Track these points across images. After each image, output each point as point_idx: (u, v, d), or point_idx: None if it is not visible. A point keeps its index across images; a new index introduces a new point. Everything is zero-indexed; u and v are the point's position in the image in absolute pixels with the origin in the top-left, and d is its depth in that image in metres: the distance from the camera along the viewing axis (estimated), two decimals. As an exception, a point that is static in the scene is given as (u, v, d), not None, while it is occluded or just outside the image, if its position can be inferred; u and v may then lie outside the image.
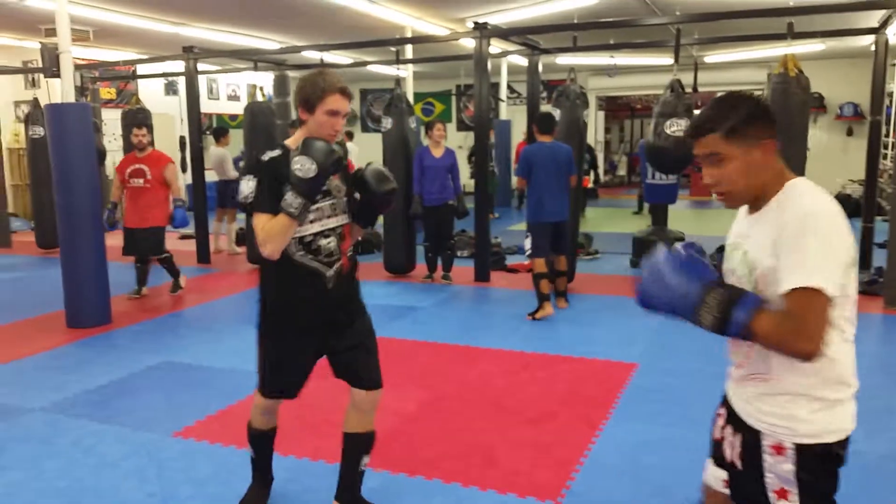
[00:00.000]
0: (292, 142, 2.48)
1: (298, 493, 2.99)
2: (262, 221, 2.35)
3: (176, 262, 6.75)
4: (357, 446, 2.67)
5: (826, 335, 1.47)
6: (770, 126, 1.63)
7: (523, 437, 3.53)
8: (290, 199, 2.30)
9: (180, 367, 4.73)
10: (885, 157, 10.89)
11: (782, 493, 1.61)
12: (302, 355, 2.57)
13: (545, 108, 8.13)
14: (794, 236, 1.51)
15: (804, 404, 1.59)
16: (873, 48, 7.37)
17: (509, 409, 3.90)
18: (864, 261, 7.26)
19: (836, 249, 1.50)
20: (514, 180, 5.90)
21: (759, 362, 1.63)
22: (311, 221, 2.44)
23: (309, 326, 2.53)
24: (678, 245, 1.68)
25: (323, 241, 2.47)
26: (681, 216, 11.32)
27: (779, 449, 1.61)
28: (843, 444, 1.61)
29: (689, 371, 4.45)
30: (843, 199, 11.89)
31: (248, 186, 2.39)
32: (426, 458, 3.29)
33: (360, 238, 2.74)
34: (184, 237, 9.88)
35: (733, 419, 1.74)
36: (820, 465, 1.60)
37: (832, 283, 1.47)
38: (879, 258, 6.68)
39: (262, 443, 2.80)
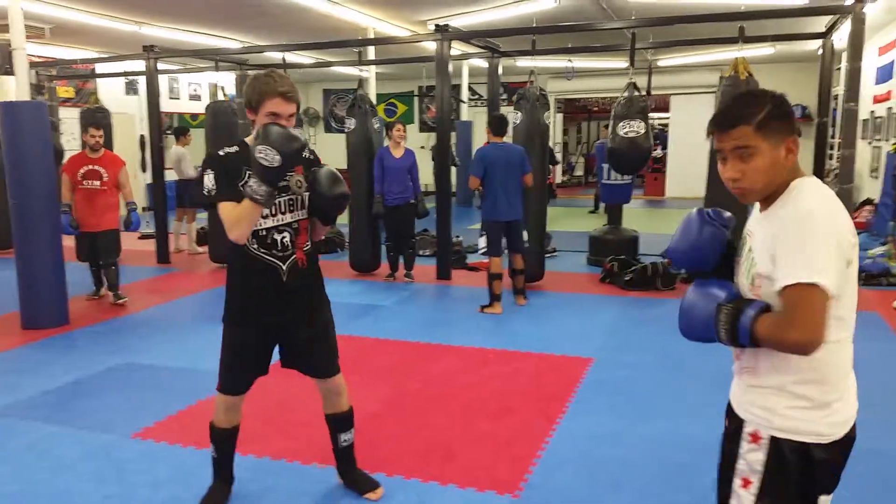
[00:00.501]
0: (250, 140, 2.54)
1: (259, 492, 3.01)
2: (227, 209, 2.42)
3: (137, 262, 6.67)
4: (335, 425, 2.88)
5: (823, 329, 1.48)
6: (793, 124, 1.64)
7: (483, 432, 3.60)
8: (256, 185, 2.34)
9: (140, 368, 4.69)
10: (831, 157, 11.22)
11: (746, 483, 1.65)
12: (258, 343, 2.64)
13: (505, 109, 8.24)
14: (791, 235, 1.53)
15: (784, 399, 1.60)
16: (820, 52, 7.63)
17: (469, 405, 3.97)
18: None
19: (829, 248, 1.50)
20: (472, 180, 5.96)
21: (749, 355, 1.67)
22: (265, 217, 2.50)
23: (265, 314, 2.59)
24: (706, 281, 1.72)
25: (277, 236, 2.54)
26: (635, 215, 11.53)
27: (755, 438, 1.64)
28: (827, 448, 1.59)
29: (644, 365, 4.57)
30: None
31: (208, 180, 2.46)
32: (387, 455, 3.33)
33: (322, 236, 2.80)
34: (143, 237, 9.77)
35: (730, 409, 1.79)
36: (790, 462, 1.60)
37: (827, 279, 1.48)
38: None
39: (224, 442, 2.81)
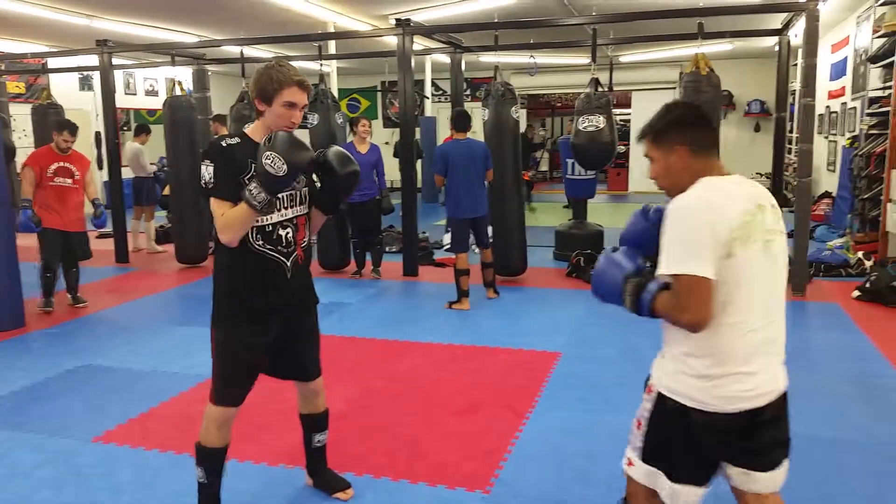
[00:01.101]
0: (250, 131, 2.47)
1: (228, 496, 2.92)
2: (221, 208, 2.35)
3: (95, 262, 6.50)
4: (311, 425, 2.83)
5: (707, 310, 1.71)
6: (685, 134, 1.86)
7: (451, 428, 3.59)
8: (255, 192, 2.28)
9: (99, 370, 4.58)
10: (789, 151, 11.48)
11: (638, 424, 1.95)
12: (257, 344, 2.51)
13: (469, 105, 8.23)
14: (668, 228, 1.76)
15: (674, 364, 1.86)
16: (777, 48, 7.77)
17: (437, 402, 3.95)
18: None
19: (700, 238, 1.71)
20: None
21: (665, 327, 1.92)
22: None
23: (269, 313, 2.50)
24: (616, 247, 2.01)
25: (282, 232, 2.47)
26: (599, 209, 11.65)
27: (650, 390, 1.94)
28: (709, 416, 1.80)
29: (610, 359, 4.61)
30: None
31: (207, 172, 2.36)
32: (355, 453, 3.30)
33: (315, 233, 2.74)
34: (101, 236, 9.53)
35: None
36: (669, 417, 1.86)
37: (698, 267, 1.69)
38: (785, 248, 7.04)
39: (216, 463, 2.58)
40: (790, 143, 11.74)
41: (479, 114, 6.86)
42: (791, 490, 2.94)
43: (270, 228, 2.44)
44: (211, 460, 2.56)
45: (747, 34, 8.45)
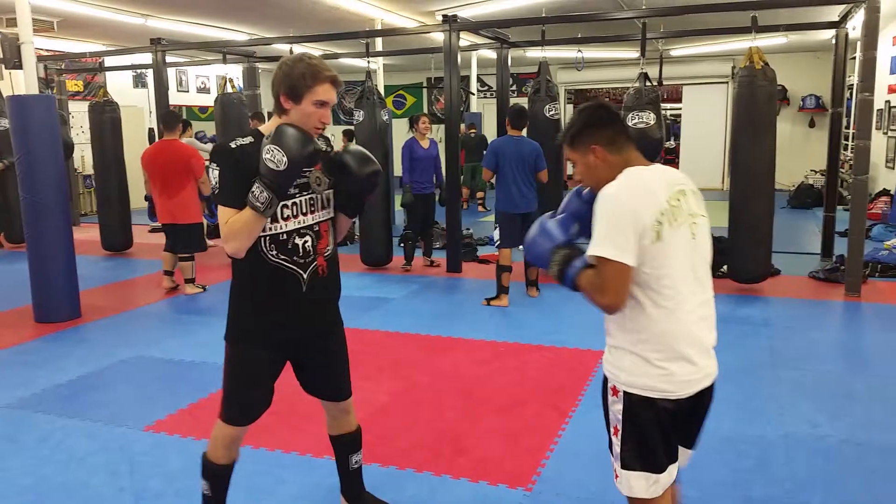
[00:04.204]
0: (266, 129, 2.24)
1: (271, 485, 3.02)
2: (226, 215, 2.13)
3: (149, 255, 6.68)
4: (343, 447, 2.61)
5: (621, 294, 1.79)
6: (598, 134, 1.93)
7: (494, 425, 3.59)
8: (258, 192, 2.07)
9: (151, 361, 4.71)
10: (845, 147, 11.13)
11: (616, 431, 1.93)
12: (273, 361, 2.35)
13: (515, 101, 8.18)
14: (595, 215, 1.83)
15: (626, 356, 1.88)
16: (834, 42, 7.54)
17: (480, 399, 3.95)
18: (826, 249, 7.45)
19: (620, 225, 1.78)
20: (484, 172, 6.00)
21: (606, 319, 1.94)
22: (286, 218, 2.21)
23: (282, 330, 2.30)
24: (552, 214, 2.07)
25: (298, 240, 2.24)
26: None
27: (615, 391, 1.91)
28: (667, 401, 1.86)
29: (656, 359, 4.54)
30: (806, 189, 12.15)
31: (213, 176, 2.17)
32: (398, 448, 3.33)
33: (344, 234, 2.52)
34: (153, 231, 9.79)
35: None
36: (640, 412, 1.87)
37: (616, 252, 1.76)
38: (840, 247, 6.85)
39: (223, 479, 2.44)
40: (846, 139, 11.37)
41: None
42: (845, 496, 2.87)
43: (285, 237, 2.21)
44: (217, 477, 2.42)
45: (803, 27, 8.23)
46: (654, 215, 1.79)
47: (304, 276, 2.26)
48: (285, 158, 2.04)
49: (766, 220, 6.13)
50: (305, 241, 2.25)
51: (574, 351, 4.74)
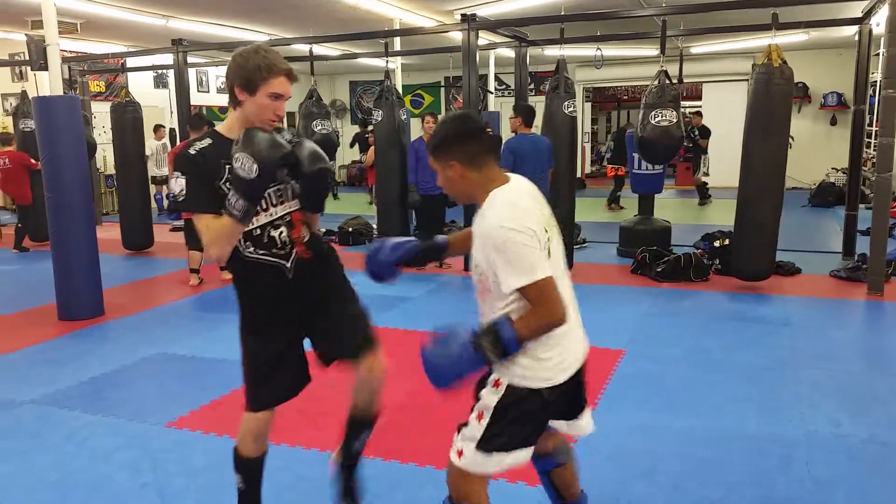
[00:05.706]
0: (224, 128, 2.25)
1: (292, 481, 3.05)
2: (204, 222, 2.14)
3: (171, 253, 6.74)
4: (356, 430, 2.64)
5: (561, 304, 1.90)
6: (454, 151, 1.98)
7: (513, 423, 3.59)
8: (233, 200, 2.07)
9: (174, 358, 4.76)
10: (868, 145, 10.98)
11: (480, 416, 2.04)
12: (286, 345, 2.41)
13: (534, 99, 8.17)
14: (497, 250, 1.86)
15: (526, 360, 1.96)
16: (857, 38, 7.45)
17: (499, 397, 3.95)
18: (848, 248, 7.37)
19: (530, 249, 1.85)
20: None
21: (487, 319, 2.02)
22: (257, 213, 2.22)
23: (278, 318, 2.38)
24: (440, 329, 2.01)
25: (273, 233, 2.27)
26: (666, 205, 11.41)
27: (497, 383, 2.01)
28: (552, 389, 2.00)
29: (674, 358, 4.52)
30: (828, 188, 12.02)
31: (177, 184, 2.15)
32: (418, 446, 3.34)
33: (316, 227, 2.46)
34: (174, 229, 9.89)
35: None
36: (523, 404, 1.99)
37: (541, 272, 1.85)
38: (863, 245, 6.78)
39: (254, 472, 2.50)
40: (869, 136, 11.23)
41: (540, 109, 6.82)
42: (867, 496, 2.85)
43: (259, 232, 2.24)
44: (248, 469, 2.48)
45: (825, 24, 8.13)
46: (542, 231, 1.92)
47: (288, 265, 2.31)
48: (255, 166, 2.02)
49: (774, 219, 6.06)
50: (280, 233, 2.28)
51: (593, 349, 4.63)
